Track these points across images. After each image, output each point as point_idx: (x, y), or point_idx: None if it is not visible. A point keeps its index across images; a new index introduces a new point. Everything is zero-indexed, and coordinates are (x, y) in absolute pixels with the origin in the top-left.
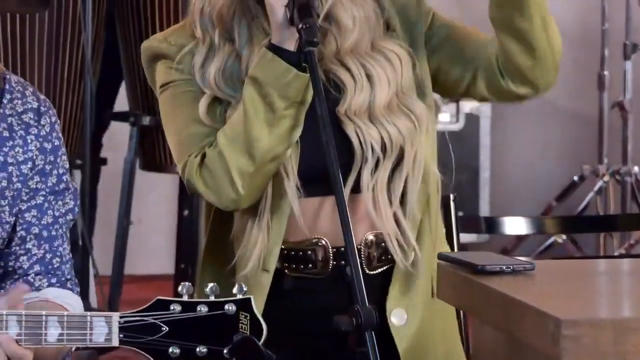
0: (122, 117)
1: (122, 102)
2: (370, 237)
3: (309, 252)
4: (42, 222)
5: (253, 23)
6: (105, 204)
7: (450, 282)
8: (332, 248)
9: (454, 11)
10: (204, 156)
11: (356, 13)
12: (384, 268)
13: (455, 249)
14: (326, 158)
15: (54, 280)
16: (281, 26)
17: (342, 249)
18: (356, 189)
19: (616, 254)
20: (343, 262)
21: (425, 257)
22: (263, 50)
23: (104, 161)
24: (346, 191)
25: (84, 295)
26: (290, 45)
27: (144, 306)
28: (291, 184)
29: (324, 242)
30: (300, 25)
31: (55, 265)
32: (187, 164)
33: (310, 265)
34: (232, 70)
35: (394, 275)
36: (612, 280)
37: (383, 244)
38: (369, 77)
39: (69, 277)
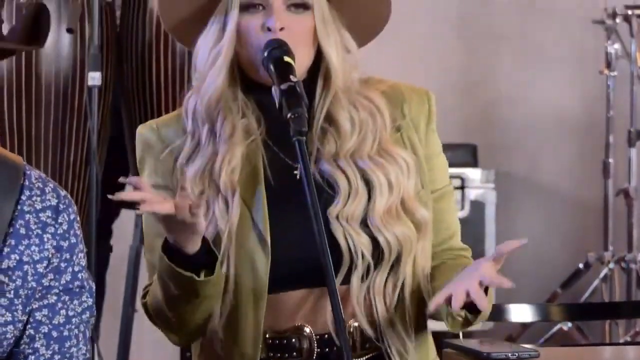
0: (127, 204)
1: (128, 188)
2: (354, 324)
3: (293, 339)
4: (53, 321)
5: (239, 122)
6: (110, 291)
7: None
8: (316, 335)
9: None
10: None
11: (355, 115)
12: (368, 356)
13: (461, 337)
14: (318, 249)
15: None
16: None
17: (326, 336)
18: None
19: (622, 341)
20: (327, 349)
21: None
22: (160, 254)
23: (109, 248)
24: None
25: None
26: (195, 245)
27: None
28: (257, 292)
29: (307, 330)
30: (289, 115)
31: None
32: (143, 296)
33: (294, 354)
34: (210, 171)
35: None
36: None
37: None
38: (367, 183)
39: None
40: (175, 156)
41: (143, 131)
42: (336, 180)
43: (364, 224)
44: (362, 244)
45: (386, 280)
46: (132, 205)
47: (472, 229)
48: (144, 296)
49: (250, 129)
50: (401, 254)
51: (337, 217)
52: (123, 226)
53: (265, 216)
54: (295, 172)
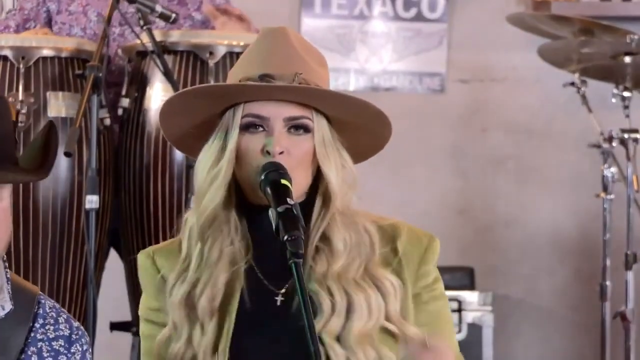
0: (124, 327)
1: (124, 312)
2: None
3: None
4: None
5: (226, 248)
6: None
7: None
8: None
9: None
10: None
11: (348, 238)
12: None
13: None
14: None
15: None
16: None
17: None
18: None
19: None
20: None
21: None
22: None
23: None
24: None
25: None
26: None
27: None
28: None
29: None
30: (285, 237)
31: None
32: None
33: None
34: (192, 297)
35: None
36: None
37: None
38: (349, 304)
39: None
40: (167, 279)
41: (141, 257)
42: (320, 300)
43: (341, 343)
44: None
45: None
46: (126, 327)
47: (470, 352)
48: None
49: (236, 257)
50: None
51: (319, 336)
52: (120, 349)
53: (226, 347)
54: (277, 297)
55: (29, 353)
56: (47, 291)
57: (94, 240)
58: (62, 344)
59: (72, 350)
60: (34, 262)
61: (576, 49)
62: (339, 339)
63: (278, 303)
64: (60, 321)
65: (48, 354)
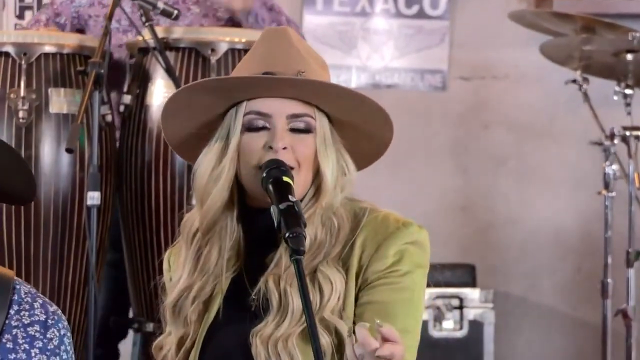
0: (125, 323)
1: None
2: None
3: None
4: None
5: (221, 254)
6: None
7: None
8: None
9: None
10: None
11: (319, 234)
12: None
13: None
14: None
15: None
16: None
17: None
18: None
19: None
20: None
21: None
22: None
23: None
24: None
25: None
26: None
27: None
28: None
29: None
30: (287, 234)
31: None
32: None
33: None
34: (182, 304)
35: None
36: None
37: None
38: (285, 307)
39: None
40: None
41: (166, 255)
42: (272, 300)
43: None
44: None
45: None
46: (131, 323)
47: (471, 349)
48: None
49: (228, 265)
50: None
51: (260, 337)
52: (121, 345)
53: (196, 354)
54: (252, 303)
55: (4, 341)
56: (49, 288)
57: (95, 237)
58: (38, 329)
59: (48, 336)
60: (35, 258)
61: (578, 47)
62: (268, 340)
63: (252, 308)
64: (35, 306)
65: (24, 340)
